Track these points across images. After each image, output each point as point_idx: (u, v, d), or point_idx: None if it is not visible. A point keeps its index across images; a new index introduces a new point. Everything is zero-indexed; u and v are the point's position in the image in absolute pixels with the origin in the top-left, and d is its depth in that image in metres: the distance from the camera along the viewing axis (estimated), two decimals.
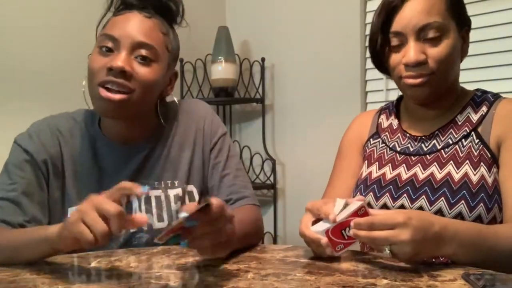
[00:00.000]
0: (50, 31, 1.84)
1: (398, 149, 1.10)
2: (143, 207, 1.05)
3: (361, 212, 0.84)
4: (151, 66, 1.01)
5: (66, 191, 1.04)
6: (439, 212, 0.96)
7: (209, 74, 2.35)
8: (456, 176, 0.99)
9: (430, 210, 0.97)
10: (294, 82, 2.35)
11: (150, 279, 0.78)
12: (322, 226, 0.85)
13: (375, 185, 1.07)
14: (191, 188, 1.11)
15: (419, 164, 1.04)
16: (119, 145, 1.08)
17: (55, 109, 1.14)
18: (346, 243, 0.85)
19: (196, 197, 1.10)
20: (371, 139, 1.17)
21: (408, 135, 1.11)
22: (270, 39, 2.42)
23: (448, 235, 0.82)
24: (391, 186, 1.05)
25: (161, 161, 1.10)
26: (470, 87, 1.14)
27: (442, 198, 0.97)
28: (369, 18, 2.11)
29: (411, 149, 1.08)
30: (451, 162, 1.01)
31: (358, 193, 1.09)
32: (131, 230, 1.03)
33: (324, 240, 0.84)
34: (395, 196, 1.03)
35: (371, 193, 1.06)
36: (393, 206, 1.02)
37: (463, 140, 1.03)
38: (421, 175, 1.02)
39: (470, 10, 1.10)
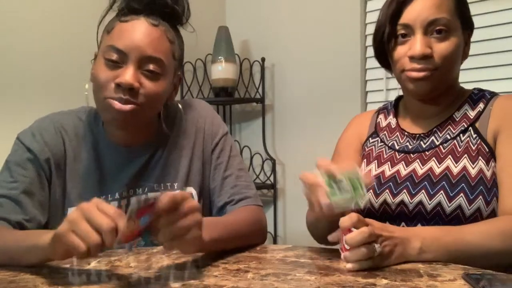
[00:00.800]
0: (50, 31, 1.84)
1: (397, 147, 1.11)
2: None
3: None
4: (158, 80, 1.00)
5: (67, 190, 1.04)
6: (439, 205, 0.97)
7: (209, 74, 2.36)
8: (455, 170, 1.00)
9: (429, 204, 0.98)
10: (294, 82, 2.35)
11: (150, 279, 0.78)
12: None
13: (374, 183, 1.08)
14: (190, 190, 1.10)
15: (418, 160, 1.06)
16: (122, 147, 1.07)
17: (55, 109, 1.13)
18: None
19: (196, 198, 1.10)
20: (370, 139, 1.18)
21: (406, 133, 1.12)
22: (270, 39, 2.42)
23: (410, 233, 0.85)
24: (390, 183, 1.06)
25: (162, 163, 1.10)
26: (469, 87, 1.14)
27: (442, 191, 0.98)
28: (369, 18, 2.11)
29: (410, 147, 1.09)
30: (450, 156, 1.02)
31: None
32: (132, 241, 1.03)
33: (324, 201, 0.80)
34: (395, 192, 1.04)
35: (371, 190, 1.07)
36: (393, 202, 1.03)
37: (461, 135, 1.04)
38: (420, 170, 1.04)
39: (471, 10, 1.11)
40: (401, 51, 1.05)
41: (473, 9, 1.13)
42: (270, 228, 2.33)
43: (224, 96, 2.31)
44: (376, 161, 1.12)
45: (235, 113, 2.57)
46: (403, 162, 1.07)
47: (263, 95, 2.36)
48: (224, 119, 2.49)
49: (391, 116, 1.18)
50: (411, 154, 1.08)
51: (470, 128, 1.04)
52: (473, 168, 0.99)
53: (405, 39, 1.04)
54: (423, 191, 1.00)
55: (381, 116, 1.20)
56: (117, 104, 0.96)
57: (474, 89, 1.12)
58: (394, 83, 1.96)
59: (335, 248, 1.02)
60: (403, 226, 1.02)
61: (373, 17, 2.03)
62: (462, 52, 1.06)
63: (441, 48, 1.02)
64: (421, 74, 1.02)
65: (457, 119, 1.07)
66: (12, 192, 0.98)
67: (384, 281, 0.74)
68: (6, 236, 0.90)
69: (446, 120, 1.08)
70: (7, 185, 0.99)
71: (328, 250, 0.96)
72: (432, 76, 1.02)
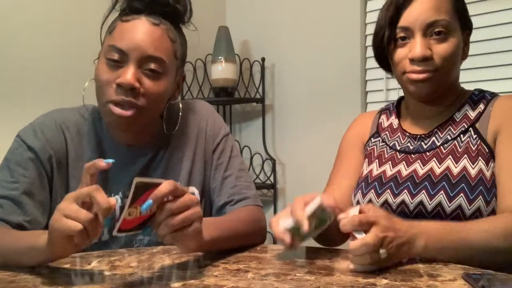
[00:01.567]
0: (50, 31, 1.84)
1: (398, 148, 1.12)
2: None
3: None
4: (160, 80, 1.00)
5: (69, 189, 1.03)
6: (439, 205, 0.98)
7: (209, 74, 2.36)
8: (455, 170, 1.00)
9: (430, 204, 0.99)
10: (294, 82, 2.35)
11: (150, 279, 0.78)
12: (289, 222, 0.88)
13: (376, 183, 1.08)
14: (193, 189, 1.10)
15: (418, 161, 1.06)
16: (125, 147, 1.07)
17: (55, 108, 1.13)
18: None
19: (198, 198, 1.10)
20: (371, 138, 1.19)
21: (407, 134, 1.12)
22: (270, 39, 2.42)
23: (416, 230, 0.84)
24: (391, 183, 1.06)
25: (164, 163, 1.10)
26: (470, 87, 1.14)
27: (442, 192, 0.98)
28: (369, 18, 2.11)
29: (411, 148, 1.10)
30: (450, 156, 1.03)
31: (359, 191, 1.10)
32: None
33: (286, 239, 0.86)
34: (396, 192, 1.04)
35: (372, 190, 1.07)
36: (394, 202, 1.04)
37: (461, 135, 1.05)
38: (421, 170, 1.04)
39: (471, 10, 1.11)
40: (401, 54, 1.05)
41: (473, 9, 1.14)
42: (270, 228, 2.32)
43: (224, 96, 2.32)
44: (377, 161, 1.12)
45: (235, 113, 2.57)
46: (404, 162, 1.08)
47: (263, 95, 2.36)
48: (224, 119, 2.48)
49: (393, 117, 1.18)
50: (412, 155, 1.08)
51: (471, 128, 1.05)
52: (473, 169, 0.99)
53: (405, 41, 1.04)
54: (423, 191, 1.01)
55: (383, 117, 1.21)
56: (117, 110, 0.96)
57: (475, 89, 1.12)
58: (394, 83, 1.96)
59: (335, 248, 1.03)
60: None
61: (373, 17, 2.03)
62: (461, 52, 1.07)
63: (440, 49, 1.02)
64: (422, 76, 1.02)
65: (457, 120, 1.07)
66: (13, 193, 0.97)
67: (384, 281, 0.74)
68: (6, 237, 0.89)
69: (447, 121, 1.08)
70: (7, 186, 0.98)
71: (328, 250, 0.97)
72: (432, 78, 1.02)
